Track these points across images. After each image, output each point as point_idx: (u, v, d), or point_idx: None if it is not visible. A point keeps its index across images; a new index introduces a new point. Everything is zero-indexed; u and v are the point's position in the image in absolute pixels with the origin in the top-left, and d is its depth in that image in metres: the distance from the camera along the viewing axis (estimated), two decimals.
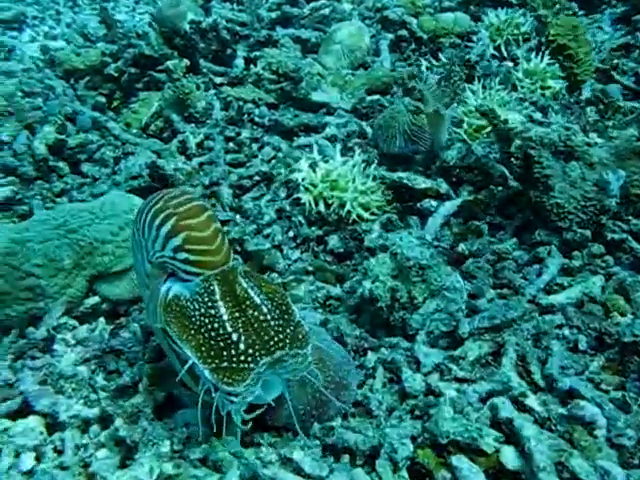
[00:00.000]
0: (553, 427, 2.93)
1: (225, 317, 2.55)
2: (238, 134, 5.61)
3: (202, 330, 2.55)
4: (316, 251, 4.26)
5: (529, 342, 3.36)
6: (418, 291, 3.40)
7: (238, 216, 4.79)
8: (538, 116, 4.79)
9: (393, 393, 3.25)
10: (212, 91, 6.19)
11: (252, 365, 2.49)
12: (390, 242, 3.52)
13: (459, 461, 2.75)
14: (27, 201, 5.41)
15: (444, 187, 4.32)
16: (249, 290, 2.66)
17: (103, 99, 6.48)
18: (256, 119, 5.70)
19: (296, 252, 4.26)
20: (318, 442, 3.02)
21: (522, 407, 3.02)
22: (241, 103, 5.82)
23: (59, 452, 3.21)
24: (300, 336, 2.64)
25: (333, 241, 4.22)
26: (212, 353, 2.51)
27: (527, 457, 2.72)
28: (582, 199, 3.87)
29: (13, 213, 5.29)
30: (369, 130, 5.29)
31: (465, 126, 4.80)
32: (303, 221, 4.32)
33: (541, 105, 4.93)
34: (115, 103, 6.65)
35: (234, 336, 2.52)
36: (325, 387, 3.12)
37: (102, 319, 4.07)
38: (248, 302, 2.61)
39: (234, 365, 2.48)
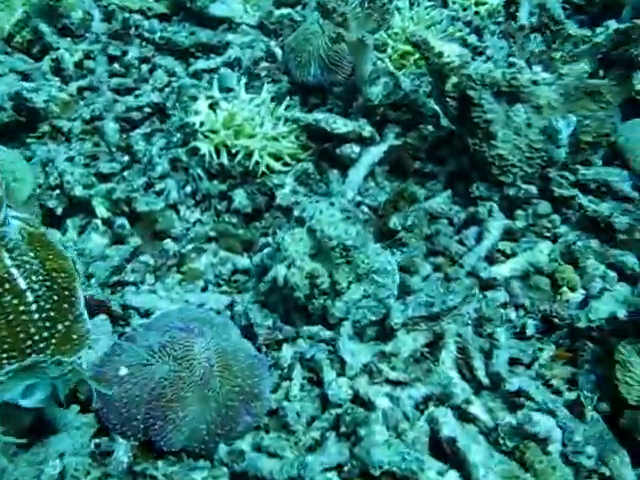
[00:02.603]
0: (501, 440, 2.52)
1: None
2: (124, 53, 4.74)
3: None
4: (219, 209, 3.60)
5: (470, 328, 2.89)
6: (342, 275, 2.84)
7: (126, 158, 4.06)
8: (473, 39, 4.18)
9: (314, 398, 2.74)
10: None
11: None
12: (307, 214, 2.90)
13: None
14: None
15: (367, 130, 3.68)
16: (12, 270, 2.00)
17: None
18: (145, 34, 4.82)
19: (195, 212, 3.58)
20: (226, 470, 2.51)
21: (465, 415, 2.60)
22: (126, 14, 4.90)
23: None
24: (74, 336, 2.03)
25: (239, 198, 3.56)
26: None
27: None
28: (527, 149, 3.33)
29: None
30: (279, 52, 4.54)
31: (390, 51, 4.14)
32: (203, 174, 3.62)
33: (476, 26, 4.30)
34: None
35: None
36: (232, 399, 2.60)
37: None
38: (8, 285, 1.97)
39: None
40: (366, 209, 3.44)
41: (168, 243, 3.36)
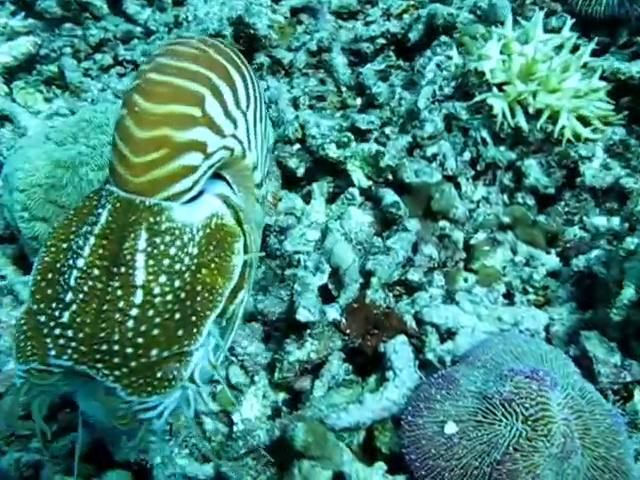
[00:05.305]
0: None
1: (81, 263, 1.44)
2: None
3: (65, 255, 1.50)
4: (505, 184, 2.82)
5: None
6: None
7: (359, 101, 3.36)
8: None
9: None
10: None
11: (53, 351, 1.39)
12: None
13: None
14: (54, 55, 3.91)
15: None
16: (138, 256, 1.42)
17: None
18: None
19: (479, 187, 2.81)
20: None
21: None
22: None
23: None
24: (158, 374, 1.38)
25: (533, 172, 2.76)
26: (48, 292, 1.46)
27: None
28: None
29: (37, 79, 3.78)
30: None
31: None
32: (488, 138, 2.82)
33: None
34: None
35: (69, 295, 1.42)
36: (596, 478, 1.91)
37: None
38: (123, 269, 1.42)
39: (44, 329, 1.41)
40: None
41: (451, 229, 2.61)
